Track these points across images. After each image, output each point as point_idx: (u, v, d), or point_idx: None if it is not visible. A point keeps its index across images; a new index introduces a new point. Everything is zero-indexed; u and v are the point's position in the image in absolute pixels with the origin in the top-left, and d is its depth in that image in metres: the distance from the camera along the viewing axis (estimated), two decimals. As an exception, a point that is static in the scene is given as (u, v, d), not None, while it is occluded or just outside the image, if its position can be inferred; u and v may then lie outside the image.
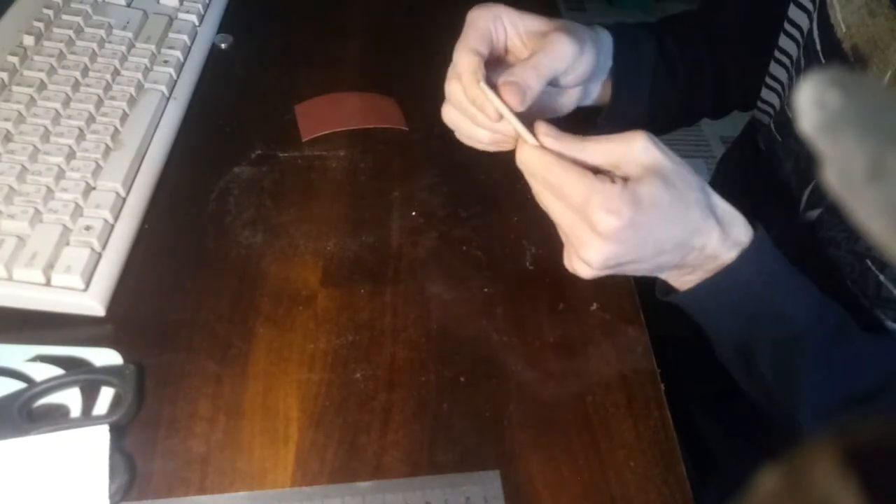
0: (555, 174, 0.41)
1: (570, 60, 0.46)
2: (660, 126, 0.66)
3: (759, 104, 0.60)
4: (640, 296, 0.52)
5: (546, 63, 0.45)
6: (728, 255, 0.43)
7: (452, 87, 0.47)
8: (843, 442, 0.15)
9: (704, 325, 0.47)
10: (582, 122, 0.58)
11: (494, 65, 0.47)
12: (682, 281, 0.46)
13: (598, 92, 0.56)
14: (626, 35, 0.56)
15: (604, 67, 0.54)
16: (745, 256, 0.43)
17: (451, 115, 0.49)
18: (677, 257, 0.43)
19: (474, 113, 0.46)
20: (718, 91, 0.63)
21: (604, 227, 0.39)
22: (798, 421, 0.45)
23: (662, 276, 0.47)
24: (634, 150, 0.40)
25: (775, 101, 0.58)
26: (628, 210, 0.39)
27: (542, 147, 0.42)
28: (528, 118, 0.46)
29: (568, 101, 0.53)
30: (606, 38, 0.54)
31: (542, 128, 0.42)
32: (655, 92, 0.59)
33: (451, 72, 0.47)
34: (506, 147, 0.49)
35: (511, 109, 0.43)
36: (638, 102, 0.59)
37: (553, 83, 0.48)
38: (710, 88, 0.63)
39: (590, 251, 0.40)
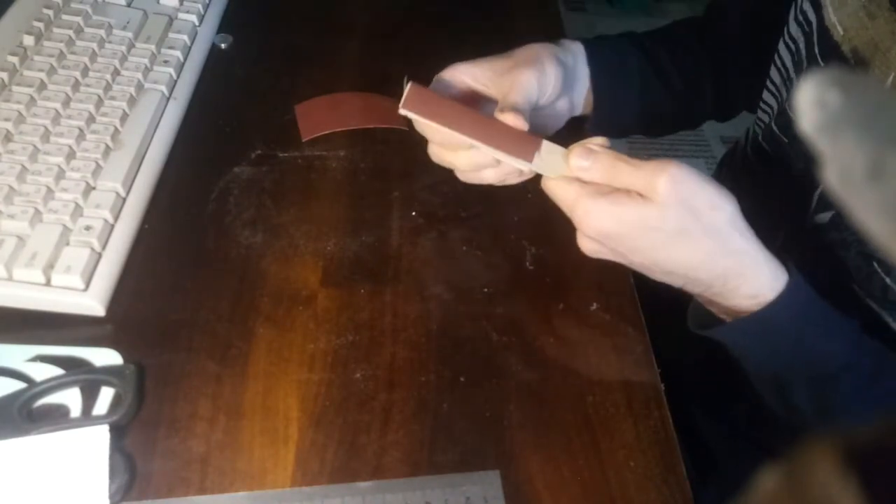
0: (549, 189, 0.45)
1: (536, 86, 0.48)
2: (657, 129, 0.66)
3: (761, 104, 0.60)
4: (640, 296, 0.52)
5: (518, 99, 0.47)
6: (743, 302, 0.43)
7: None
8: (843, 442, 0.15)
9: (738, 359, 0.48)
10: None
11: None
12: (710, 305, 0.47)
13: (584, 101, 0.57)
14: (601, 45, 0.57)
15: (581, 76, 0.55)
16: (776, 307, 0.43)
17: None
18: (679, 282, 0.44)
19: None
20: (719, 95, 0.64)
21: (583, 228, 0.43)
22: None
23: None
24: (657, 181, 0.41)
25: (773, 102, 0.58)
26: (607, 221, 0.42)
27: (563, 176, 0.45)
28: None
29: (558, 116, 0.54)
30: (576, 48, 0.55)
31: (575, 160, 0.44)
32: (647, 97, 0.60)
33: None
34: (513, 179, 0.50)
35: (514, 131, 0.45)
36: (626, 107, 0.60)
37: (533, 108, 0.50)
38: (710, 93, 0.63)
39: (579, 242, 0.45)
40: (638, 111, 0.60)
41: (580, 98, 0.56)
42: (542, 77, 0.48)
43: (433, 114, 0.44)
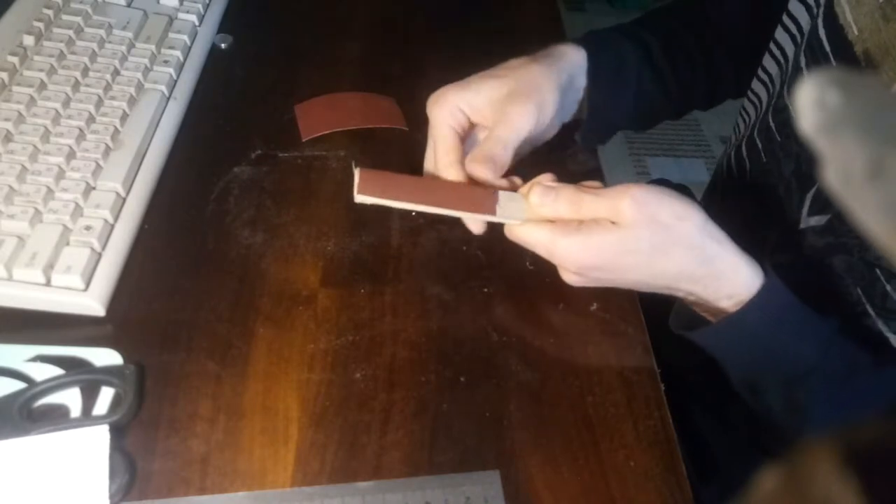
0: (520, 235, 0.45)
1: (531, 124, 0.47)
2: (644, 125, 0.66)
3: (749, 95, 0.60)
4: (640, 296, 0.52)
5: (507, 135, 0.47)
6: (723, 303, 0.45)
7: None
8: (843, 442, 0.15)
9: (715, 358, 0.49)
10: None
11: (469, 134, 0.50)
12: (696, 306, 0.48)
13: (576, 110, 0.56)
14: (604, 49, 0.56)
15: (576, 89, 0.54)
16: (749, 309, 0.44)
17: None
18: (664, 292, 0.46)
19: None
20: (710, 86, 0.63)
21: (567, 266, 0.44)
22: None
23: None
24: (622, 206, 0.42)
25: (763, 94, 0.57)
26: (586, 254, 0.43)
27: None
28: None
29: (545, 135, 0.53)
30: (577, 60, 0.54)
31: (535, 198, 0.44)
32: (641, 99, 0.59)
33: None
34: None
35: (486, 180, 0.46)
36: (620, 111, 0.59)
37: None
38: (703, 85, 0.63)
39: (563, 277, 0.46)
40: (632, 114, 0.60)
41: (571, 110, 0.55)
42: (539, 111, 0.48)
43: (389, 193, 0.44)
